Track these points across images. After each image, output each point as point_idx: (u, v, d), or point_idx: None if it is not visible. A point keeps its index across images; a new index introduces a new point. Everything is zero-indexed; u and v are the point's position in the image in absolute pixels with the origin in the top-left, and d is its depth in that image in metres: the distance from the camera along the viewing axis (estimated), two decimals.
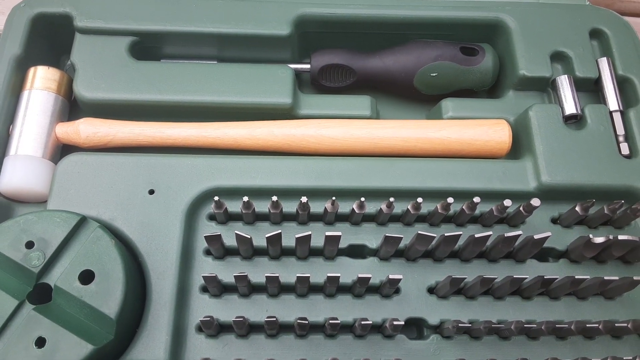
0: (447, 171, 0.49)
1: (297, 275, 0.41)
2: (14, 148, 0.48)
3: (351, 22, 0.55)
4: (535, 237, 0.43)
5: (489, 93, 0.58)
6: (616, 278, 0.42)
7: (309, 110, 0.53)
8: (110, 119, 0.51)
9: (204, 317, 0.40)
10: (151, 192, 0.47)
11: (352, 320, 0.44)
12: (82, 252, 0.40)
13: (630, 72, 0.53)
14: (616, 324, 0.42)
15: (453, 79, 0.54)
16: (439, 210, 0.45)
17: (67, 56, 0.54)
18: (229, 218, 0.47)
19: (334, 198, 0.45)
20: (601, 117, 0.51)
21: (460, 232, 0.42)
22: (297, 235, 0.41)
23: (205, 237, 0.42)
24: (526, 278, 0.43)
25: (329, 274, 0.41)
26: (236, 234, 0.41)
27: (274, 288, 0.43)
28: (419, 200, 0.44)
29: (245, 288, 0.43)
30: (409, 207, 0.45)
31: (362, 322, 0.41)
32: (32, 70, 0.52)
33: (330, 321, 0.41)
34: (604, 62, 0.54)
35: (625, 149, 0.51)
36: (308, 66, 0.55)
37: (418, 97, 0.57)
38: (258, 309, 0.44)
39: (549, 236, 0.42)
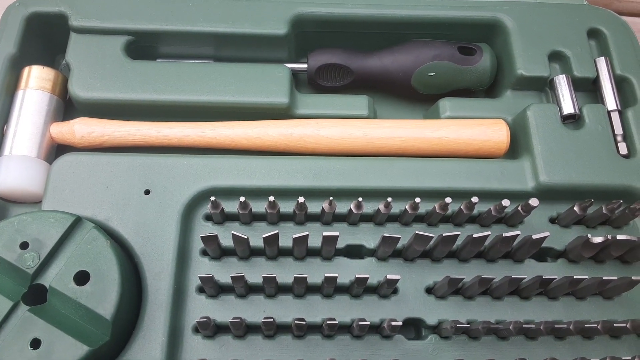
0: (445, 171, 0.49)
1: (295, 275, 0.41)
2: (8, 148, 0.48)
3: (348, 22, 0.55)
4: (534, 237, 0.42)
5: (487, 93, 0.58)
6: (615, 278, 0.42)
7: (306, 110, 0.53)
8: (105, 118, 0.51)
9: (200, 318, 0.40)
10: (147, 192, 0.46)
11: (349, 321, 0.44)
12: (77, 252, 0.40)
13: (628, 71, 0.53)
14: (615, 324, 0.42)
15: (451, 78, 0.54)
16: (437, 210, 0.45)
17: (62, 55, 0.53)
18: (225, 218, 0.47)
19: (331, 198, 0.44)
20: (599, 116, 0.51)
21: (459, 232, 0.42)
22: (294, 236, 0.41)
23: (201, 237, 0.41)
24: (524, 278, 0.42)
25: (326, 275, 0.41)
26: (233, 234, 0.41)
27: (271, 288, 0.43)
28: (417, 200, 0.44)
29: (242, 289, 0.43)
30: (406, 207, 0.45)
31: (360, 323, 0.41)
32: (26, 69, 0.51)
33: (328, 322, 0.41)
34: (602, 62, 0.54)
35: (623, 148, 0.51)
36: (305, 66, 0.55)
37: (416, 96, 0.56)
38: (255, 310, 0.44)
39: (547, 236, 0.42)
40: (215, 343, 0.43)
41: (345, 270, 0.45)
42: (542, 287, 0.43)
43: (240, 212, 0.45)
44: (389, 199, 0.44)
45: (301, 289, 0.43)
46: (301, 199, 0.43)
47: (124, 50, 0.53)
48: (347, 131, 0.50)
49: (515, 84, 0.54)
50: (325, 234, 0.41)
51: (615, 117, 0.52)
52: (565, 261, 0.47)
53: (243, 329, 0.42)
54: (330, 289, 0.43)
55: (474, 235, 0.42)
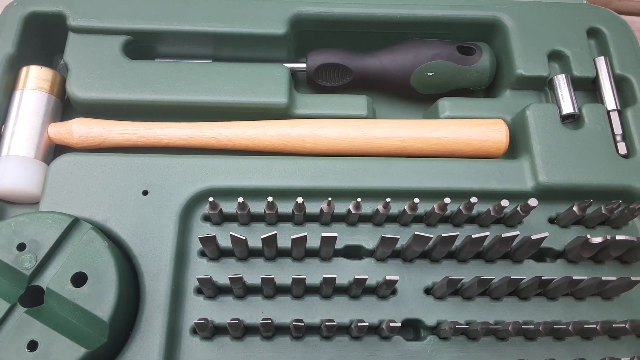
0: (444, 171, 0.48)
1: (293, 276, 0.41)
2: (5, 148, 0.48)
3: (347, 21, 0.55)
4: (533, 237, 0.42)
5: (486, 92, 0.58)
6: (614, 278, 0.42)
7: (305, 109, 0.52)
8: (103, 119, 0.51)
9: (198, 319, 0.40)
10: (145, 192, 0.46)
11: (348, 322, 0.44)
12: (75, 254, 0.40)
13: (627, 71, 0.53)
14: (614, 325, 0.42)
15: (450, 78, 0.54)
16: (436, 211, 0.45)
17: (60, 55, 0.53)
18: (223, 219, 0.47)
19: (330, 198, 0.44)
20: (598, 116, 0.51)
21: (457, 233, 0.42)
22: (292, 237, 0.41)
23: (199, 238, 0.41)
24: (524, 278, 0.42)
25: (325, 275, 0.41)
26: (231, 235, 0.41)
27: (270, 289, 0.43)
28: (416, 200, 0.44)
29: (240, 290, 0.43)
30: (405, 207, 0.45)
31: (359, 324, 0.41)
32: (24, 69, 0.51)
33: (327, 323, 0.41)
34: (601, 61, 0.54)
35: (622, 148, 0.50)
36: (304, 65, 0.55)
37: (415, 96, 0.56)
38: (253, 311, 0.44)
39: (546, 236, 0.42)
40: (213, 344, 0.43)
41: (344, 271, 0.45)
42: (541, 287, 0.43)
43: (238, 212, 0.45)
44: (388, 200, 0.44)
45: (300, 290, 0.43)
46: (300, 200, 0.43)
47: (122, 50, 0.52)
48: (346, 131, 0.50)
49: (514, 83, 0.54)
50: (323, 234, 0.41)
51: (615, 116, 0.52)
52: (564, 261, 0.47)
53: (241, 331, 0.42)
54: (328, 289, 0.43)
55: (473, 236, 0.42)
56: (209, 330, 0.41)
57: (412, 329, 0.46)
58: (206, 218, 0.47)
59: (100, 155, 0.48)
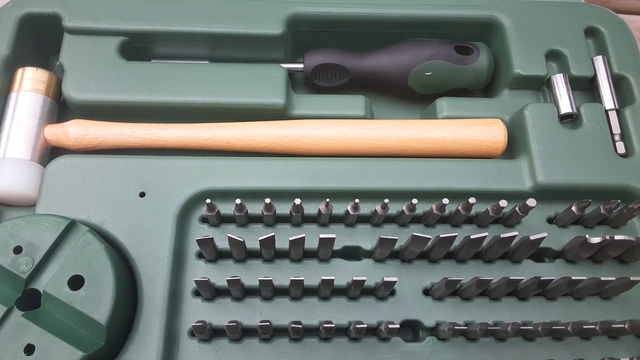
0: (442, 171, 0.48)
1: (291, 278, 0.41)
2: (1, 151, 0.48)
3: (344, 21, 0.55)
4: (532, 237, 0.42)
5: (484, 92, 0.58)
6: (613, 278, 0.42)
7: (302, 110, 0.52)
8: (100, 120, 0.50)
9: (196, 322, 0.40)
10: (142, 194, 0.46)
11: (347, 323, 0.43)
12: (72, 257, 0.40)
13: (625, 70, 0.53)
14: (613, 325, 0.41)
15: (448, 78, 0.54)
16: (434, 211, 0.45)
17: (56, 57, 0.53)
18: (221, 220, 0.46)
19: (328, 199, 0.44)
20: (597, 115, 0.51)
21: (456, 233, 0.42)
22: (290, 238, 0.41)
23: (197, 240, 0.41)
24: (522, 279, 0.42)
25: (323, 277, 0.41)
26: (229, 237, 0.40)
27: (268, 291, 0.43)
28: (414, 201, 0.44)
29: (238, 292, 0.43)
30: (403, 208, 0.45)
31: (357, 325, 0.41)
32: (20, 71, 0.51)
33: (325, 324, 0.40)
34: (599, 61, 0.54)
35: (621, 147, 0.50)
36: (301, 66, 0.55)
37: (412, 96, 0.56)
38: (252, 313, 0.43)
39: (545, 237, 0.42)
40: (211, 347, 0.43)
41: (342, 272, 0.45)
42: (540, 287, 0.43)
43: (236, 214, 0.45)
44: (386, 200, 0.44)
45: (298, 291, 0.43)
46: (297, 201, 0.43)
47: (119, 51, 0.52)
48: (343, 132, 0.50)
49: (512, 83, 0.54)
50: (322, 235, 0.41)
51: (613, 116, 0.52)
52: (563, 261, 0.47)
53: (239, 333, 0.42)
54: (327, 291, 0.43)
55: (472, 236, 0.42)
56: (206, 333, 0.41)
57: (411, 330, 0.46)
58: (204, 220, 0.47)
59: (97, 157, 0.48)
